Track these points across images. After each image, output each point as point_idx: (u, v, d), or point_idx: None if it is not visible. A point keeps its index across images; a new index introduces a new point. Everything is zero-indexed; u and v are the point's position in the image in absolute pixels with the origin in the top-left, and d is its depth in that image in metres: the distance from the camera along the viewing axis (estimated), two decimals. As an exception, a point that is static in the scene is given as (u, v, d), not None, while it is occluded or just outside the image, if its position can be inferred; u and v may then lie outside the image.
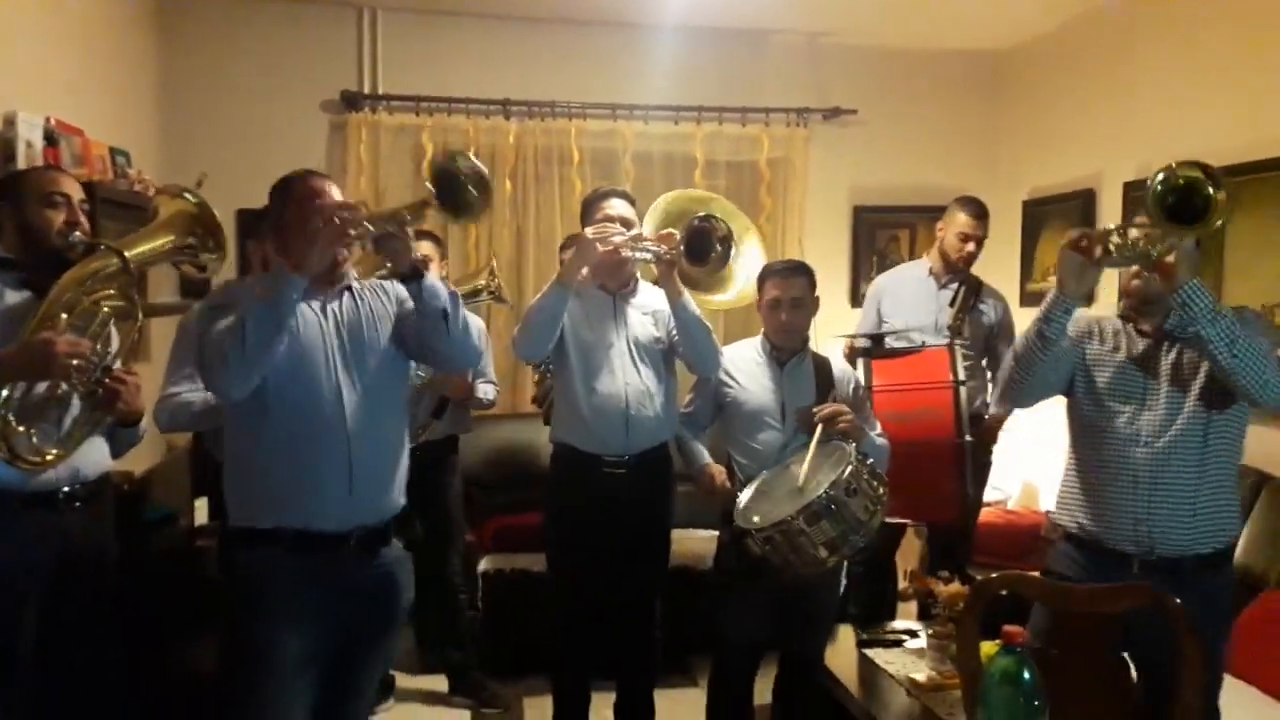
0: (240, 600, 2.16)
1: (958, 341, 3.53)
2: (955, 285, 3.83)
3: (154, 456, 3.90)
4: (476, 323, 2.37)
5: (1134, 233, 2.18)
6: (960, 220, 3.86)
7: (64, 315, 2.23)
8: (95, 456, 2.43)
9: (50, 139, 3.01)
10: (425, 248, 3.56)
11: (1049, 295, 2.31)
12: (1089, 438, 2.42)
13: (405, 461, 2.32)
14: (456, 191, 2.19)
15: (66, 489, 2.35)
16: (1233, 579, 2.42)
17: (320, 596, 2.14)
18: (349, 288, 2.27)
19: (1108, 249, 2.19)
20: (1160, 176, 2.06)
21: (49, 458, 2.24)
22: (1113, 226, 2.22)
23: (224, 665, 2.85)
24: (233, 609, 2.18)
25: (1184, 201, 2.05)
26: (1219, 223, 2.05)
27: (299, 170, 2.26)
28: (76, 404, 2.31)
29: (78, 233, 2.35)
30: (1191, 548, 2.29)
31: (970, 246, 3.84)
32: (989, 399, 3.95)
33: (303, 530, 2.13)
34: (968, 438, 3.22)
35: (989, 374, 3.95)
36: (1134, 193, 4.17)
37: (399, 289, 2.25)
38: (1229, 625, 2.45)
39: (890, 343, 3.57)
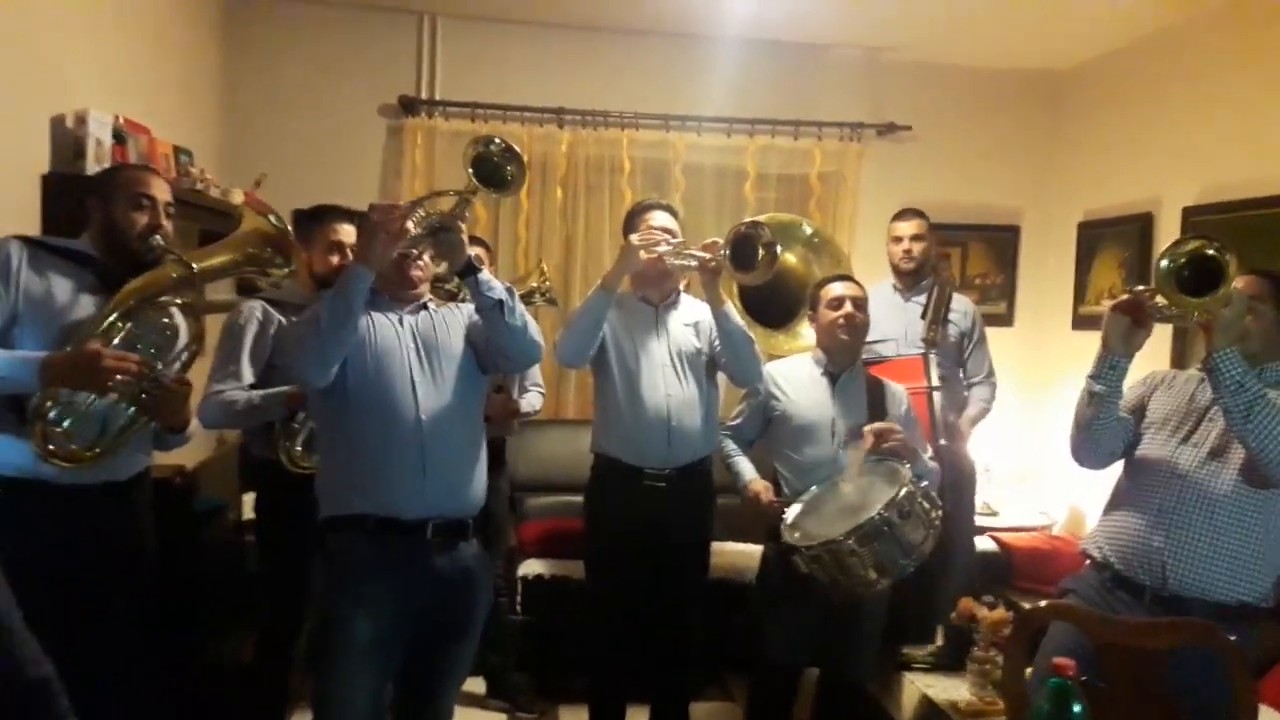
0: (321, 582, 2.31)
1: (931, 353, 3.55)
2: (923, 297, 3.82)
3: (205, 451, 3.97)
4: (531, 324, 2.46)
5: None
6: (890, 229, 4.06)
7: (120, 324, 2.24)
8: (134, 457, 2.43)
9: (119, 137, 3.07)
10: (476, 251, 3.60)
11: (1096, 355, 2.32)
12: (1132, 467, 2.41)
13: (483, 463, 2.46)
14: (495, 172, 2.36)
15: (101, 487, 2.33)
16: (1253, 642, 2.25)
17: (398, 582, 2.27)
18: (425, 306, 2.46)
19: (1153, 310, 2.21)
20: (1164, 262, 2.11)
21: (86, 458, 2.24)
22: (1145, 287, 2.24)
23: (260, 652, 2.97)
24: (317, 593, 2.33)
25: (1200, 269, 2.08)
26: (1234, 284, 2.09)
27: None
28: (122, 409, 2.30)
29: (157, 237, 2.35)
30: (1206, 591, 2.23)
31: (904, 246, 3.97)
32: (970, 409, 3.95)
33: (384, 517, 2.27)
34: (942, 441, 3.29)
35: (965, 383, 4.00)
36: (1193, 218, 4.10)
37: (469, 307, 2.43)
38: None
39: (865, 355, 3.60)
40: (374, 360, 2.32)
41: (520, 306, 2.38)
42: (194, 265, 2.35)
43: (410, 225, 2.23)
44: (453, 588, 2.35)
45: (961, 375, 3.99)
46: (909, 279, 4.00)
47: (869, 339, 3.75)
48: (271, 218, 2.50)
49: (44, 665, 1.38)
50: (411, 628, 2.31)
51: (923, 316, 3.71)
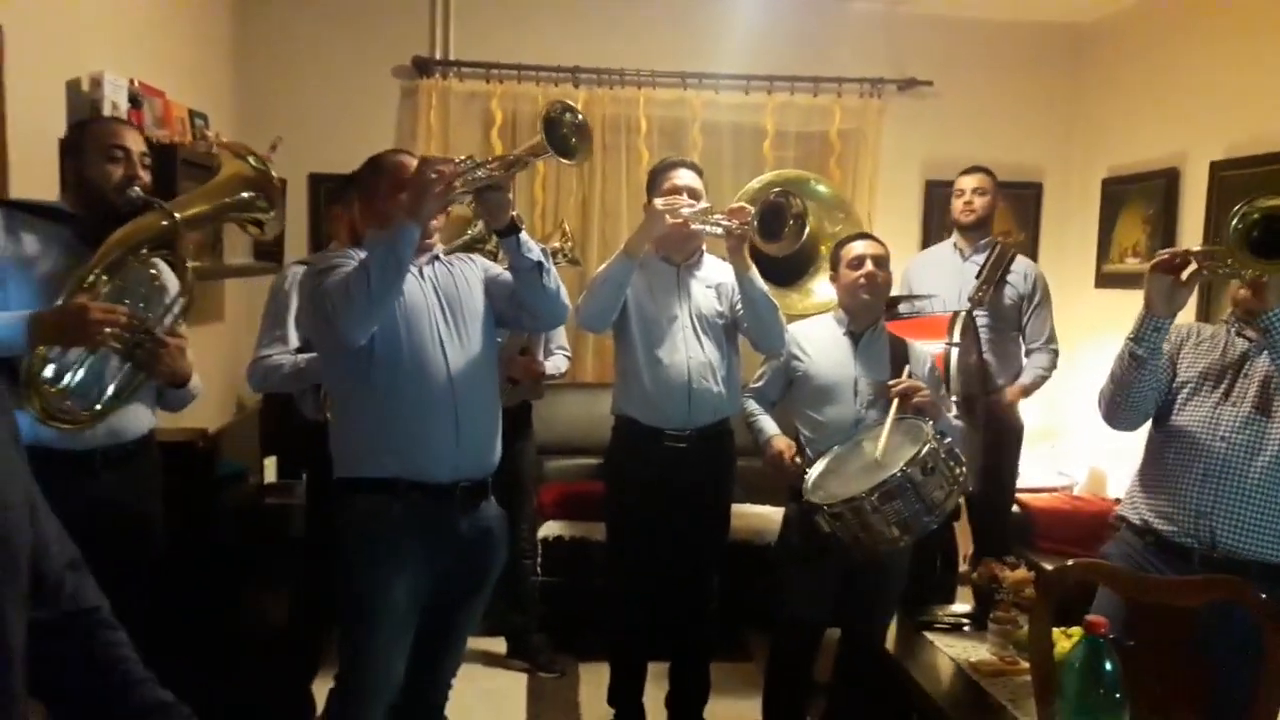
0: (351, 546, 2.28)
1: (976, 312, 3.50)
2: (982, 257, 3.79)
3: (225, 416, 3.99)
4: None
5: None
6: (956, 184, 4.01)
7: (105, 278, 2.17)
8: (136, 419, 2.36)
9: (134, 100, 3.05)
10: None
11: (1138, 316, 2.27)
12: (1167, 427, 2.36)
13: (500, 421, 2.45)
14: (561, 141, 2.32)
15: (103, 451, 2.28)
16: None
17: (424, 544, 2.27)
18: (437, 257, 2.42)
19: (1200, 268, 2.15)
20: (1238, 216, 2.04)
21: (84, 418, 2.18)
22: (1205, 248, 2.18)
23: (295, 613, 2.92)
24: (342, 555, 2.29)
25: (1270, 231, 2.02)
26: None
27: (388, 150, 2.41)
28: (118, 366, 2.23)
29: (135, 188, 2.27)
30: (1257, 551, 2.20)
31: (965, 199, 3.93)
32: (1024, 377, 3.90)
33: (415, 480, 2.25)
34: (954, 398, 3.21)
35: (1023, 346, 3.94)
36: (1220, 173, 4.03)
37: (483, 260, 2.41)
38: None
39: (903, 309, 3.56)
40: (402, 319, 2.27)
41: (554, 268, 2.37)
42: (178, 214, 2.26)
43: (458, 185, 2.22)
44: (474, 548, 2.37)
45: (1021, 340, 3.94)
46: (970, 235, 3.94)
47: (916, 294, 3.73)
48: (251, 159, 2.38)
49: (91, 599, 1.35)
50: (436, 587, 2.32)
51: (978, 276, 3.67)
